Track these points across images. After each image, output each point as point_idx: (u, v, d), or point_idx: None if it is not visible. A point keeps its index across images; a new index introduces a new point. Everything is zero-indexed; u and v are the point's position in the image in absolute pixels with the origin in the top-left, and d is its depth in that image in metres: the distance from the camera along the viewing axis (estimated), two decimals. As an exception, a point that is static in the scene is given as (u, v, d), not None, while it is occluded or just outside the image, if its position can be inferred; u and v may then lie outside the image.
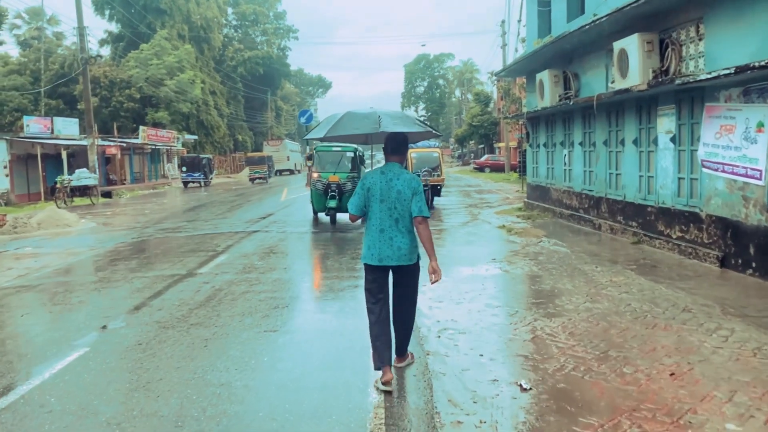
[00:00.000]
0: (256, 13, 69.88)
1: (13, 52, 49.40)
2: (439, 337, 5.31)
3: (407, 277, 4.39)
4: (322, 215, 15.07)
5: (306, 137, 5.79)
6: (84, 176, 22.57)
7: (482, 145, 59.94)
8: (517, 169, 35.94)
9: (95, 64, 39.61)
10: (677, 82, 7.70)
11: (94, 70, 42.20)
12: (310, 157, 15.27)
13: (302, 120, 29.66)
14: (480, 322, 5.72)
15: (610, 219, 11.03)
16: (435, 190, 17.63)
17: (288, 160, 55.85)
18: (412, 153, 17.47)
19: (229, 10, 69.07)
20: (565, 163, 13.27)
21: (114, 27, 51.58)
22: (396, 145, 4.43)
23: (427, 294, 6.54)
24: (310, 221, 15.12)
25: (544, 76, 12.73)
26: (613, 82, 10.22)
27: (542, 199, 14.87)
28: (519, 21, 24.80)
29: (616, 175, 10.86)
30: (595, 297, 6.58)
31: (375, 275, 4.33)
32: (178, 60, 45.22)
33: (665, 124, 8.98)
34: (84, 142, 28.85)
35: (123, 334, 5.73)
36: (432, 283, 4.27)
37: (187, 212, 19.17)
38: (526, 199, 16.14)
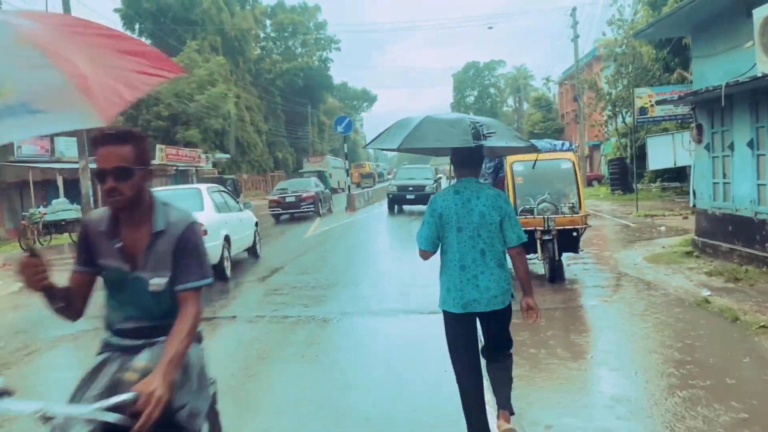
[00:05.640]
0: (294, 23, 65.72)
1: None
2: None
3: (499, 326, 3.36)
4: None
5: (372, 146, 3.73)
6: (62, 208, 17.59)
7: (546, 155, 53.14)
8: (608, 182, 29.38)
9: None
10: None
11: (119, 87, 38.61)
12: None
13: (339, 129, 24.10)
14: None
15: None
16: (569, 240, 8.17)
17: (330, 177, 50.81)
18: (514, 163, 8.43)
19: (267, 22, 65.19)
20: (812, 177, 7.06)
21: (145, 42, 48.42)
22: (468, 153, 3.27)
23: None
24: (343, 283, 9.43)
25: (779, 11, 6.63)
26: None
27: (741, 239, 8.57)
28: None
29: None
30: None
31: (460, 325, 3.28)
32: (209, 73, 41.04)
33: None
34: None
35: None
36: (528, 322, 3.31)
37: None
38: (697, 236, 9.81)
